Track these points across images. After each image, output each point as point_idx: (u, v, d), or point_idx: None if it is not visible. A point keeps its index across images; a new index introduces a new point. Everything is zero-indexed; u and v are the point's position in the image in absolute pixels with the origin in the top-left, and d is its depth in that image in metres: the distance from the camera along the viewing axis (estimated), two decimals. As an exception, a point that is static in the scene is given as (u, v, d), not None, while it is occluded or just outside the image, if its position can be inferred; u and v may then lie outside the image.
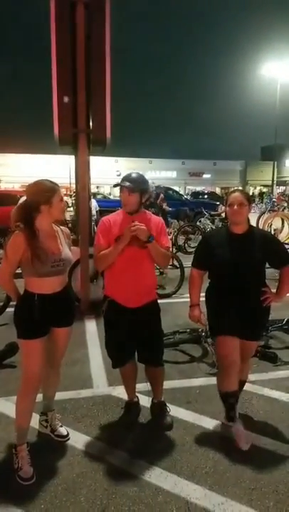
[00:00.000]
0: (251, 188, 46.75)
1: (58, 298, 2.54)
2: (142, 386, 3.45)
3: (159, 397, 3.13)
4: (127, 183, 2.72)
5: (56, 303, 2.54)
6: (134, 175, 2.79)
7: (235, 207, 2.74)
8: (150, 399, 3.17)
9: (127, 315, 2.80)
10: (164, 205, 9.98)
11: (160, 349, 3.00)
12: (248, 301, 2.78)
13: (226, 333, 2.78)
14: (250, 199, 2.83)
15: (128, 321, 2.82)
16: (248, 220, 2.85)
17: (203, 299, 3.02)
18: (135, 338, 2.89)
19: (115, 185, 2.80)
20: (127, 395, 3.17)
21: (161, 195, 10.83)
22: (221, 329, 2.82)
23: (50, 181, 2.52)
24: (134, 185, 2.72)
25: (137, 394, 3.26)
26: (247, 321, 2.79)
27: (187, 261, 7.13)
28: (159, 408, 3.11)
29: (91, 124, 5.40)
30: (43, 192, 2.45)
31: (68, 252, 2.61)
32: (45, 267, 2.42)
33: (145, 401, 3.31)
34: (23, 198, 2.52)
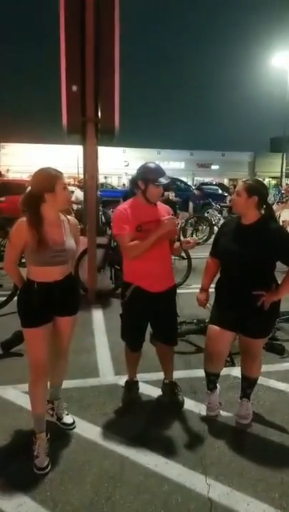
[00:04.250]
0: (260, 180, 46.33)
1: (59, 287, 2.53)
2: (149, 376, 3.49)
3: (170, 378, 3.25)
4: (167, 180, 2.84)
5: (57, 292, 2.53)
6: (159, 167, 2.87)
7: (233, 196, 2.78)
8: (163, 380, 3.29)
9: (151, 299, 2.90)
10: (172, 196, 9.90)
11: (176, 329, 3.22)
12: (246, 296, 2.69)
13: (216, 323, 2.82)
14: (252, 190, 2.66)
15: (150, 305, 2.93)
16: (266, 210, 2.76)
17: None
18: (149, 322, 3.05)
19: (159, 184, 2.80)
20: (128, 375, 3.29)
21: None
22: (213, 318, 2.89)
23: (54, 169, 2.50)
24: (169, 178, 2.90)
25: (143, 383, 3.34)
26: (245, 317, 2.73)
27: (194, 252, 7.10)
28: (170, 388, 3.22)
29: (99, 113, 5.36)
30: (46, 180, 2.43)
31: (72, 243, 2.59)
32: (45, 255, 2.41)
33: (151, 391, 3.34)
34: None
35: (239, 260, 2.68)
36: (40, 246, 2.38)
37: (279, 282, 2.76)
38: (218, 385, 3.04)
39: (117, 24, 5.23)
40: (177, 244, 3.04)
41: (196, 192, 15.03)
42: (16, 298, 4.73)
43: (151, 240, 2.75)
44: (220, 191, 23.00)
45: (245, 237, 2.70)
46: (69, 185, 2.57)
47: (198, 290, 3.13)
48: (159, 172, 2.82)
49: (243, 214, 2.74)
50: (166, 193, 9.27)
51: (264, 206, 2.76)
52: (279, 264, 2.75)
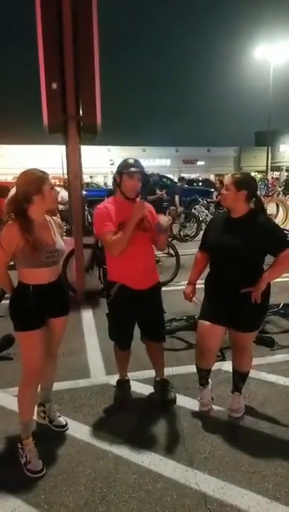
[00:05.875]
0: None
1: (52, 288, 2.52)
2: (140, 374, 3.48)
3: (161, 375, 3.25)
4: (137, 169, 2.82)
5: (51, 293, 2.52)
6: (135, 160, 2.86)
7: (222, 190, 2.79)
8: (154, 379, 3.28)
9: (136, 297, 2.90)
10: (161, 193, 9.82)
11: (164, 325, 3.21)
12: (235, 289, 2.70)
13: (206, 318, 2.82)
14: (240, 184, 2.66)
15: (136, 303, 2.92)
16: (255, 204, 2.77)
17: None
18: (136, 319, 3.03)
19: (125, 173, 2.79)
20: (119, 375, 3.28)
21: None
22: (203, 313, 2.88)
23: (39, 170, 2.48)
24: (142, 169, 2.88)
25: (135, 382, 3.34)
26: (235, 310, 2.73)
27: (182, 249, 7.12)
28: (162, 385, 3.22)
29: (81, 110, 5.31)
30: (33, 182, 2.40)
31: (62, 243, 2.59)
32: (40, 257, 2.39)
33: (143, 389, 3.34)
34: (14, 190, 2.48)
35: (229, 253, 2.68)
36: (35, 248, 2.35)
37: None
38: (209, 380, 3.04)
39: (95, 18, 5.15)
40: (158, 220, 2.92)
41: (178, 184, 14.81)
42: (3, 302, 4.78)
43: (129, 228, 2.73)
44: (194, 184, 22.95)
45: (234, 231, 2.70)
46: (54, 185, 2.54)
47: (187, 287, 3.12)
48: (131, 164, 2.83)
49: (232, 208, 2.74)
50: (158, 192, 9.22)
51: (253, 199, 2.76)
52: (267, 258, 2.75)
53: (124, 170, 2.81)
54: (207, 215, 11.71)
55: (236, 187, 2.66)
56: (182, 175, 15.85)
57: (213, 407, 3.05)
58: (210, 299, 2.87)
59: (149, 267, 2.98)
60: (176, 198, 12.09)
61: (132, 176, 2.81)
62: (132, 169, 2.80)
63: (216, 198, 12.72)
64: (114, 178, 2.91)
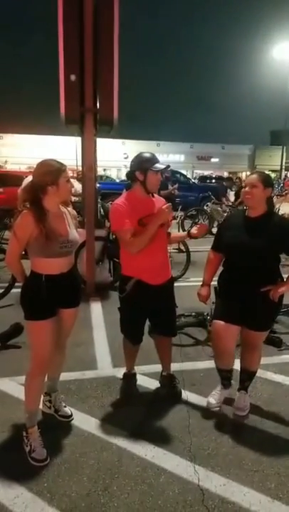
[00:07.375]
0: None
1: (64, 279, 2.53)
2: (147, 368, 3.49)
3: (168, 370, 3.26)
4: (162, 165, 2.83)
5: (63, 284, 2.52)
6: (153, 154, 2.85)
7: (247, 188, 2.71)
8: (160, 373, 3.29)
9: (151, 292, 2.89)
10: (175, 190, 9.68)
11: (175, 320, 3.27)
12: (251, 288, 2.69)
13: (221, 318, 2.80)
14: (267, 182, 2.66)
15: (150, 298, 2.91)
16: (269, 204, 2.75)
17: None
18: (149, 315, 3.04)
19: (153, 170, 2.76)
20: (126, 368, 3.29)
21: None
22: (217, 314, 2.86)
23: (57, 161, 2.47)
24: (167, 164, 2.93)
25: (141, 375, 3.35)
26: (249, 310, 2.72)
27: (193, 245, 7.10)
28: (168, 380, 3.23)
29: (98, 103, 5.30)
30: (49, 173, 2.40)
31: (75, 234, 2.59)
32: (53, 247, 2.40)
33: (149, 383, 3.35)
34: (28, 178, 2.49)
35: (247, 253, 2.66)
36: (48, 238, 2.36)
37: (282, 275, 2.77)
38: (232, 381, 3.02)
39: (116, 12, 5.13)
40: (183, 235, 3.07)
41: (225, 184, 13.95)
42: (13, 290, 4.82)
43: (151, 230, 2.73)
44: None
45: (252, 231, 2.68)
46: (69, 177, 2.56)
47: (196, 283, 3.11)
48: (154, 159, 2.81)
49: (255, 206, 2.71)
50: (170, 187, 9.17)
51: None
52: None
53: (149, 166, 2.76)
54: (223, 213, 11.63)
55: (264, 184, 2.64)
56: (228, 176, 14.60)
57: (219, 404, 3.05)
58: (224, 298, 2.85)
59: (165, 262, 2.99)
60: (229, 192, 11.81)
61: (157, 172, 2.80)
62: (158, 165, 2.78)
63: (235, 195, 12.39)
64: (134, 175, 2.82)
